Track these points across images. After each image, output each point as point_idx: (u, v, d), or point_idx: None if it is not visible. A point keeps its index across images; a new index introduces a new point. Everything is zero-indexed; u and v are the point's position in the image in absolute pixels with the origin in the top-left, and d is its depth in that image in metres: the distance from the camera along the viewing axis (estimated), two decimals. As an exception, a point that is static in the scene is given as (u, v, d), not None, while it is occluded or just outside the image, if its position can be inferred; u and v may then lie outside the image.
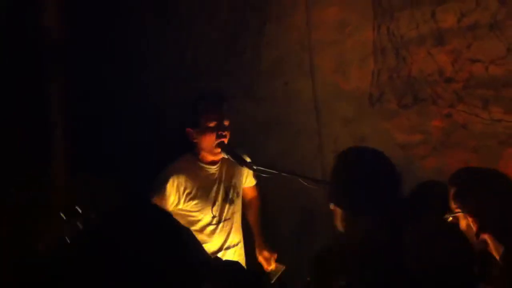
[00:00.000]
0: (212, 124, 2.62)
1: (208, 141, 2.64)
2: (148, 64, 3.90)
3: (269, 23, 3.49)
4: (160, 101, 3.84)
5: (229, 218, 2.79)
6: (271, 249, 2.99)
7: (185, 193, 2.65)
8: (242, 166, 2.63)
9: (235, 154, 2.63)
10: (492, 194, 1.97)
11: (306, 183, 2.50)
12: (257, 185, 3.06)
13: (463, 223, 2.00)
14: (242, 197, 2.94)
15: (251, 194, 3.08)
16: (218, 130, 2.62)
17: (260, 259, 2.98)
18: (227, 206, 2.78)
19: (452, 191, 2.04)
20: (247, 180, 2.98)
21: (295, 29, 3.40)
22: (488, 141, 2.84)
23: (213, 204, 2.72)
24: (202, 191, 2.70)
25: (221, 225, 2.75)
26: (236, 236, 2.85)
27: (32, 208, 2.65)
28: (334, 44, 3.23)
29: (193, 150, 2.74)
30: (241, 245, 2.91)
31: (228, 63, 3.62)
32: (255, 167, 2.59)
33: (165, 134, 3.74)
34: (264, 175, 2.60)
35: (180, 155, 2.76)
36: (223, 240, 2.78)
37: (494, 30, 2.72)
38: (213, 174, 2.75)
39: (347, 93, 3.20)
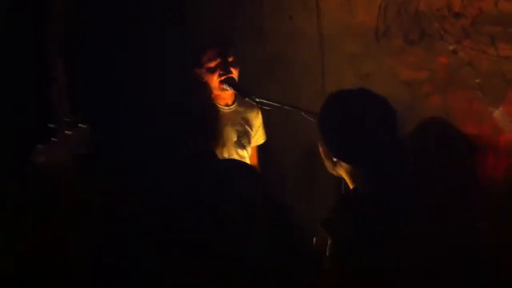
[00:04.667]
0: (213, 64, 2.63)
1: (212, 81, 2.66)
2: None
3: (274, -45, 3.39)
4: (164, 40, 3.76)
5: None
6: None
7: None
8: (245, 97, 2.62)
9: (237, 86, 2.63)
10: None
11: (308, 117, 2.48)
12: (260, 148, 2.99)
13: None
14: None
15: (252, 155, 2.97)
16: (220, 69, 2.62)
17: None
18: (238, 150, 2.77)
19: None
20: (257, 135, 2.93)
21: (300, -38, 3.30)
22: (493, 79, 2.81)
23: (223, 145, 2.71)
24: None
25: None
26: None
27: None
28: (341, -23, 3.15)
29: (206, 88, 2.72)
30: None
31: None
32: (257, 100, 2.58)
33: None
34: (266, 107, 2.60)
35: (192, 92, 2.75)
36: None
37: (506, -37, 2.64)
38: (226, 114, 2.74)
39: (352, 28, 3.13)
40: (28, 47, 3.26)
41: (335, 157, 1.68)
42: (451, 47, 2.83)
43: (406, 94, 2.97)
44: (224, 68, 2.63)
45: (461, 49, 2.81)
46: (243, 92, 2.62)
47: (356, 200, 1.63)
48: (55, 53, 3.43)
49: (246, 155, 2.83)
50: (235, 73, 2.66)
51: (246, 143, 2.81)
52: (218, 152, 2.69)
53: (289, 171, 3.57)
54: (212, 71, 2.63)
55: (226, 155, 2.72)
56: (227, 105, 2.76)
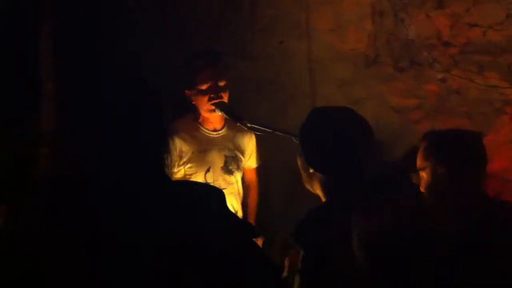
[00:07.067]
0: (204, 87, 2.59)
1: (202, 104, 2.62)
2: (135, 20, 3.79)
3: (266, -20, 3.41)
4: (150, 62, 3.75)
5: (224, 188, 2.65)
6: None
7: (180, 156, 2.62)
8: (237, 122, 2.60)
9: (230, 111, 2.60)
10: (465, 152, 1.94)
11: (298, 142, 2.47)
12: (258, 169, 2.95)
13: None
14: (242, 179, 2.85)
15: (250, 177, 2.94)
16: (211, 92, 2.59)
17: None
18: (224, 176, 2.72)
19: (425, 145, 1.99)
20: (250, 159, 2.87)
21: (292, -12, 3.33)
22: (482, 108, 2.85)
23: (207, 170, 2.67)
24: (198, 154, 2.65)
25: None
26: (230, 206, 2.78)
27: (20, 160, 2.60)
28: (331, 4, 3.18)
29: (194, 112, 2.69)
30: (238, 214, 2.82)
31: (223, 20, 3.55)
32: (249, 125, 2.57)
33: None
34: (258, 133, 2.59)
35: (179, 115, 2.71)
36: None
37: (494, -5, 2.69)
38: (213, 139, 2.70)
39: (343, 54, 3.16)
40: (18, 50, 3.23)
41: (311, 167, 1.71)
42: (439, 75, 2.88)
43: (395, 120, 3.00)
44: (215, 92, 2.60)
45: (449, 77, 2.86)
46: (235, 117, 2.60)
47: (328, 212, 1.64)
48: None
49: (234, 181, 2.78)
50: (225, 98, 2.64)
51: (234, 169, 2.76)
52: (202, 177, 2.67)
53: (275, 196, 3.56)
54: (203, 93, 2.60)
55: (210, 180, 2.66)
56: (215, 130, 2.72)
